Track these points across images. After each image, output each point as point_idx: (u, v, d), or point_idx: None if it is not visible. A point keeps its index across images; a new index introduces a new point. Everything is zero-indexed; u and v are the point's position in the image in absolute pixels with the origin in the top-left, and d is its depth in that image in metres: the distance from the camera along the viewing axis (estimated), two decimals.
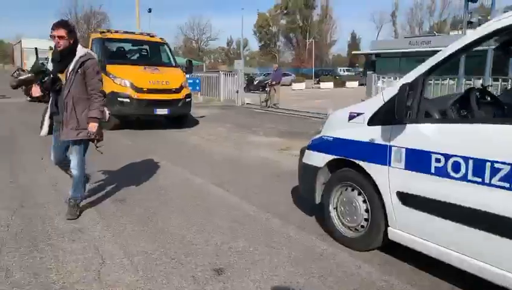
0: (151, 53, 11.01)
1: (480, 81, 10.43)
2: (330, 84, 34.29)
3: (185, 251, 3.32)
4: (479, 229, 2.40)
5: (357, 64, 78.26)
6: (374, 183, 3.08)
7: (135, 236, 3.60)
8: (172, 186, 5.20)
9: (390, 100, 2.94)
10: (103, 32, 10.45)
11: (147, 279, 2.85)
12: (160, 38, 11.15)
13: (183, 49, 75.55)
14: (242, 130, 10.49)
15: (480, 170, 2.38)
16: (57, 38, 3.66)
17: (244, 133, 10.00)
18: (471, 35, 2.64)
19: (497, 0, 12.44)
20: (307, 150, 3.85)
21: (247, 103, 18.39)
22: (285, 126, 11.37)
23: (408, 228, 2.88)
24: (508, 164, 2.24)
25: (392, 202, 2.93)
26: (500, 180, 2.28)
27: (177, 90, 9.96)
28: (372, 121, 3.13)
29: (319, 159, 3.63)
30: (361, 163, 3.18)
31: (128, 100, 9.33)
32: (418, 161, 2.74)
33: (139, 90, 9.40)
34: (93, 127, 3.81)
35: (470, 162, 2.43)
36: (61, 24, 3.72)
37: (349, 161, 3.32)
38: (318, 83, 38.14)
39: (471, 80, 11.22)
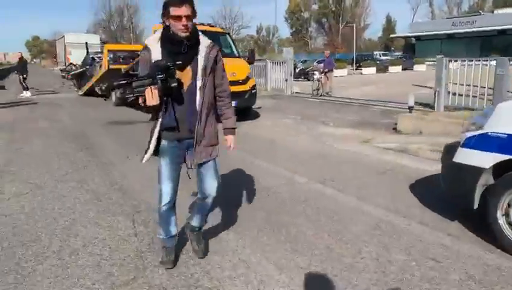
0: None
1: None
2: (372, 70, 33.17)
3: (342, 266, 2.96)
4: None
5: (392, 48, 75.98)
6: None
7: (277, 248, 3.26)
8: (278, 187, 4.86)
9: None
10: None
11: None
12: (221, 28, 10.80)
13: None
14: (309, 121, 10.06)
15: None
16: (184, 19, 2.50)
17: (314, 124, 9.56)
18: None
19: None
20: (461, 148, 3.38)
21: (296, 92, 17.90)
22: (351, 115, 10.84)
23: None
24: None
25: None
26: None
27: (244, 82, 9.62)
28: None
29: (484, 159, 3.17)
30: None
31: None
32: None
33: None
34: (233, 140, 3.00)
35: None
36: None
37: None
38: (359, 68, 37.00)
39: None
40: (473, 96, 10.35)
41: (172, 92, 2.54)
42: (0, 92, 20.12)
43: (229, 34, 10.95)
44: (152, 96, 2.41)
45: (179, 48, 2.60)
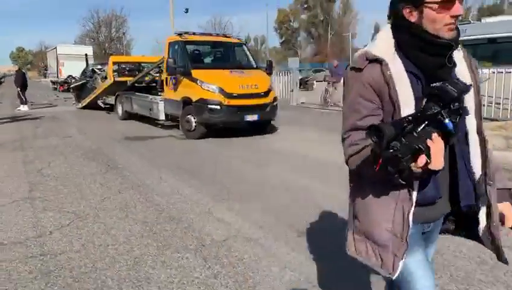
0: (231, 55, 10.29)
1: None
2: None
3: None
4: None
5: None
6: None
7: None
8: (339, 210, 4.42)
9: None
10: (182, 34, 9.75)
11: None
12: (238, 38, 10.44)
13: None
14: (330, 133, 9.67)
15: None
16: (457, 5, 1.38)
17: (337, 137, 9.13)
18: None
19: None
20: None
21: (302, 102, 17.59)
22: None
23: None
24: None
25: None
26: None
27: (266, 94, 9.23)
28: None
29: None
30: None
31: (218, 107, 8.63)
32: None
33: (229, 95, 8.69)
34: None
35: None
36: None
37: None
38: None
39: None
40: (488, 106, 10.19)
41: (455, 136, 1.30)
42: None
43: (245, 44, 10.58)
44: (439, 152, 1.22)
45: (441, 58, 1.43)
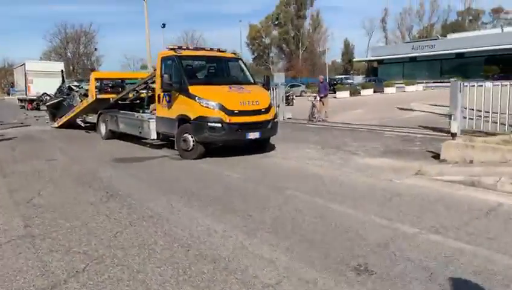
0: (228, 70, 9.81)
1: None
2: (345, 94, 33.37)
3: None
4: None
5: (351, 72, 78.20)
6: None
7: None
8: (395, 243, 3.98)
9: None
10: (175, 48, 9.20)
11: None
12: (233, 53, 10.00)
13: None
14: (332, 150, 9.33)
15: None
16: None
17: (343, 154, 8.83)
18: None
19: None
20: None
21: (289, 118, 17.28)
22: (371, 143, 10.22)
23: None
24: None
25: None
26: None
27: (267, 110, 8.79)
28: None
29: None
30: None
31: (219, 125, 8.11)
32: None
33: (230, 112, 8.19)
34: None
35: None
36: None
37: None
38: (331, 92, 37.20)
39: None
40: (492, 121, 10.14)
41: None
42: None
43: (241, 59, 10.14)
44: None
45: None
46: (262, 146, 9.38)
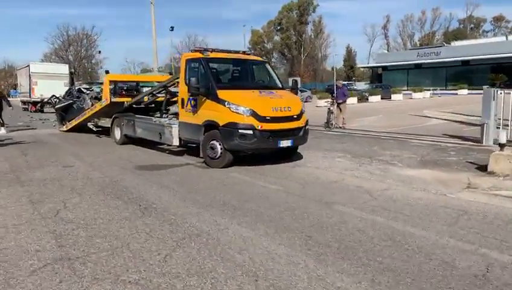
0: (256, 74, 9.30)
1: None
2: (353, 100, 32.90)
3: None
4: None
5: (353, 78, 77.98)
6: None
7: None
8: (485, 274, 3.46)
9: None
10: (201, 50, 8.68)
11: None
12: (260, 57, 9.49)
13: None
14: (366, 160, 8.81)
15: None
16: None
17: (377, 164, 8.32)
18: None
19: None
20: None
21: None
22: (403, 153, 9.71)
23: None
24: None
25: None
26: None
27: (299, 117, 8.28)
28: None
29: None
30: None
31: (251, 132, 7.58)
32: None
33: (262, 119, 7.67)
34: None
35: None
36: None
37: None
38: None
39: None
40: None
41: None
42: None
43: (268, 62, 9.63)
44: None
45: None
46: (290, 154, 8.85)
